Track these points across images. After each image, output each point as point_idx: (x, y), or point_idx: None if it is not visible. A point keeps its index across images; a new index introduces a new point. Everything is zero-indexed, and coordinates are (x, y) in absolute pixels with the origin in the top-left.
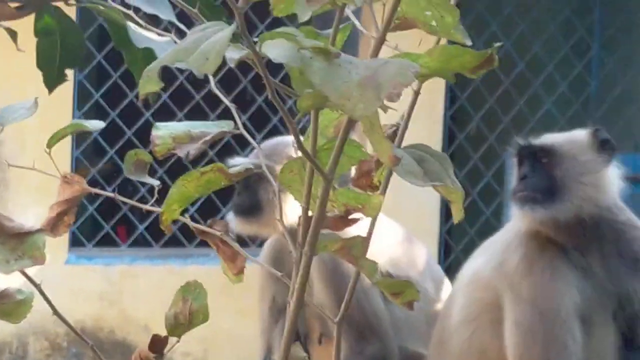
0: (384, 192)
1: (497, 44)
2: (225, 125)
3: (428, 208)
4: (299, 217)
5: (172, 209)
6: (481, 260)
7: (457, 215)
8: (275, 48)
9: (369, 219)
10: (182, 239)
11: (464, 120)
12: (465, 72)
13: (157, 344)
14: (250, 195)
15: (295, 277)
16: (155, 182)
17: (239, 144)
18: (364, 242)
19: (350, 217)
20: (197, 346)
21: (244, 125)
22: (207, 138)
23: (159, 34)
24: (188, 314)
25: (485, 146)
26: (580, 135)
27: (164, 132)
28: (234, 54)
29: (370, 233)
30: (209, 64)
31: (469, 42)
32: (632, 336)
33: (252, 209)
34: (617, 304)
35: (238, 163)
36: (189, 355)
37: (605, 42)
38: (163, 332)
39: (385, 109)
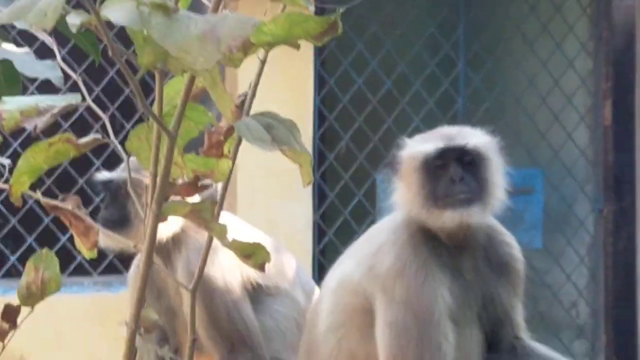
0: (233, 160)
1: (341, 9)
2: (74, 99)
3: (301, 227)
4: (151, 186)
5: (21, 181)
6: (348, 265)
7: (306, 178)
8: (115, 10)
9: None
10: (120, 266)
11: (333, 140)
12: (310, 39)
13: (10, 314)
14: (118, 208)
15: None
16: (6, 161)
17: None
18: (212, 206)
19: (200, 183)
20: None
21: (97, 97)
22: (55, 111)
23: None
24: (40, 283)
25: (356, 165)
26: (488, 137)
27: (11, 106)
28: (75, 19)
29: (222, 198)
30: (48, 19)
31: (311, 8)
32: (496, 340)
33: (119, 222)
34: (482, 307)
35: (105, 178)
36: None
37: (471, 59)
38: None
39: (228, 64)
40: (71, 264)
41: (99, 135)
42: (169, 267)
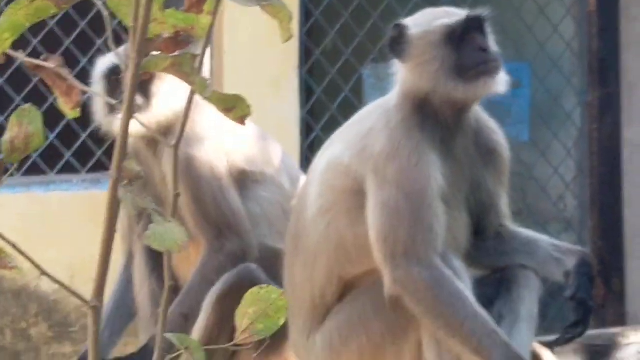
0: (214, 16)
1: None
2: None
3: (288, 123)
4: (130, 42)
5: (3, 38)
6: (338, 148)
7: (285, 34)
8: None
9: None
10: (43, 166)
11: (319, 35)
12: None
13: None
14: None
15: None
16: None
17: None
18: (192, 59)
19: (180, 39)
20: (64, 273)
21: None
22: None
23: None
24: (24, 138)
25: (342, 60)
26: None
27: None
28: None
29: (202, 53)
30: None
31: None
32: (481, 227)
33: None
34: (470, 191)
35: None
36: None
37: None
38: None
39: None
40: (60, 162)
41: None
42: (157, 156)
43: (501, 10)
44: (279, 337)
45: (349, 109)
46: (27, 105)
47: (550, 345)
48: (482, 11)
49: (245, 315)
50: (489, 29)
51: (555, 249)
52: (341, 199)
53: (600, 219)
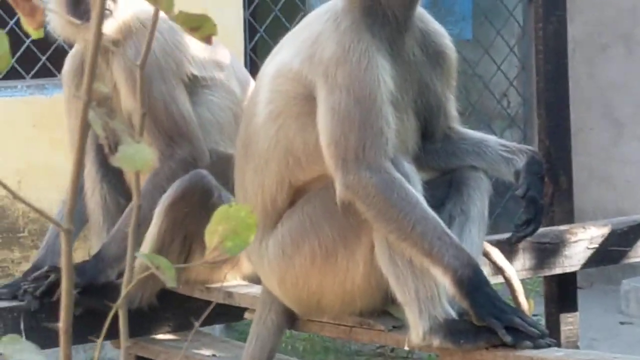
0: None
1: None
2: None
3: (231, 25)
4: None
5: None
6: (287, 54)
7: None
8: None
9: None
10: (53, 69)
11: None
12: None
13: None
14: None
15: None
16: None
17: None
18: None
19: None
20: (11, 179)
21: None
22: None
23: None
24: None
25: None
26: None
27: None
28: None
29: None
30: None
31: None
32: (429, 130)
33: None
34: (417, 94)
35: None
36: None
37: None
38: None
39: None
40: None
41: None
42: (108, 63)
43: None
44: None
45: (292, 10)
46: None
47: (500, 244)
48: None
49: (214, 232)
50: None
51: (505, 149)
52: (291, 104)
53: (546, 117)
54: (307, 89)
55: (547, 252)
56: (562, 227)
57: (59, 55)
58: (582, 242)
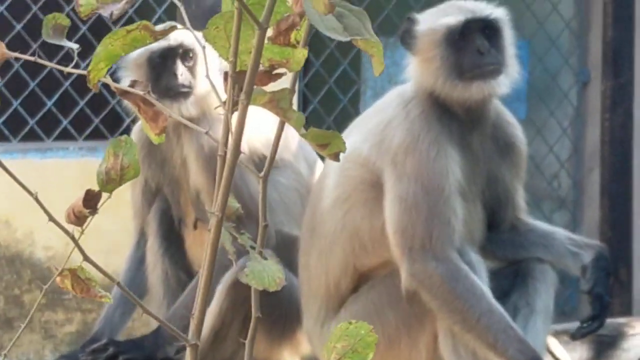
0: (305, 48)
1: None
2: None
3: None
4: (226, 73)
5: (99, 67)
6: (356, 139)
7: (378, 67)
8: None
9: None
10: (40, 133)
11: None
12: None
13: (91, 200)
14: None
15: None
16: (74, 46)
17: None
18: (290, 95)
19: (275, 72)
20: (59, 241)
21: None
22: None
23: None
24: (119, 169)
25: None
26: (503, 10)
27: None
28: None
29: (293, 87)
30: None
31: None
32: (496, 220)
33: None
34: (486, 185)
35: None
36: (51, 249)
37: None
38: (25, 227)
39: None
40: (56, 129)
41: (175, 23)
42: (179, 138)
43: None
44: (292, 323)
45: (347, 82)
46: (124, 137)
47: (558, 334)
48: (490, 11)
49: (333, 350)
50: (503, 26)
51: (572, 243)
52: (358, 189)
53: (609, 209)
54: (375, 175)
55: (605, 344)
56: (621, 320)
57: (111, 118)
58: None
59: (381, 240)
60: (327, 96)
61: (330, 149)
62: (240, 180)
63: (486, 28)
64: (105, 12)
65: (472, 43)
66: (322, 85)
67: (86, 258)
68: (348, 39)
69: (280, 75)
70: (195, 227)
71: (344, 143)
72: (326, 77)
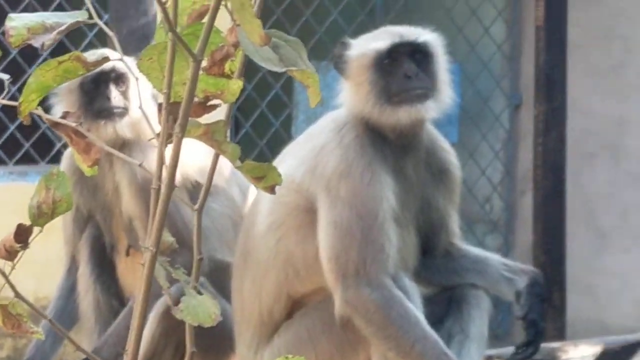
0: (240, 79)
1: None
2: (80, 16)
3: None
4: (160, 104)
5: (30, 99)
6: (290, 165)
7: (314, 98)
8: None
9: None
10: (36, 156)
11: None
12: None
13: (22, 234)
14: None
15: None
16: (5, 76)
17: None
18: (225, 127)
19: (209, 103)
20: None
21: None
22: (62, 28)
23: None
24: (51, 202)
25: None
26: (434, 34)
27: (18, 23)
28: None
29: (227, 119)
30: None
31: None
32: (430, 246)
33: (123, 112)
34: (419, 210)
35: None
36: None
37: None
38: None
39: None
40: None
41: (107, 55)
42: (112, 165)
43: (432, 10)
44: (226, 350)
45: (278, 106)
46: (55, 169)
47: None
48: (419, 35)
49: None
50: (433, 50)
51: (506, 269)
52: (292, 215)
53: (543, 233)
54: (309, 201)
55: None
56: (554, 344)
57: (42, 142)
58: None
59: (314, 266)
60: (259, 120)
61: (265, 182)
62: (174, 208)
63: (416, 52)
64: (36, 43)
65: (400, 67)
66: (254, 109)
67: (17, 295)
68: (284, 70)
69: (215, 107)
70: (127, 254)
71: (280, 175)
72: (258, 100)
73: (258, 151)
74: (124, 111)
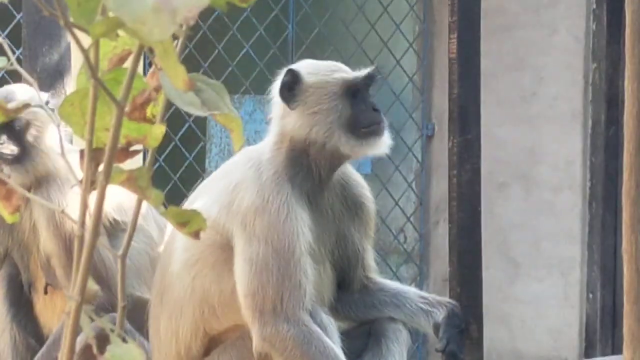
0: (163, 123)
1: None
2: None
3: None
4: (81, 151)
5: None
6: (205, 201)
7: (238, 142)
8: None
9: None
10: None
11: None
12: (237, 1)
13: None
14: (17, 144)
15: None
16: None
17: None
18: (148, 173)
19: (132, 149)
20: None
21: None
22: None
23: None
24: None
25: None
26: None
27: None
28: None
29: (150, 165)
30: None
31: None
32: (346, 280)
33: (19, 157)
34: (335, 245)
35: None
36: None
37: None
38: None
39: (181, 34)
40: None
41: (29, 101)
42: (28, 203)
43: (344, 42)
44: None
45: (192, 140)
46: None
47: None
48: (375, 70)
49: None
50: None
51: (424, 301)
52: (207, 252)
53: (458, 264)
54: (225, 237)
55: None
56: None
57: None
58: None
59: (231, 303)
60: (173, 153)
61: (190, 227)
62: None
63: (370, 86)
64: None
65: (363, 100)
66: (168, 142)
67: None
68: (207, 114)
69: (137, 152)
70: (45, 292)
71: (205, 221)
72: (171, 134)
73: (172, 185)
74: (14, 158)
